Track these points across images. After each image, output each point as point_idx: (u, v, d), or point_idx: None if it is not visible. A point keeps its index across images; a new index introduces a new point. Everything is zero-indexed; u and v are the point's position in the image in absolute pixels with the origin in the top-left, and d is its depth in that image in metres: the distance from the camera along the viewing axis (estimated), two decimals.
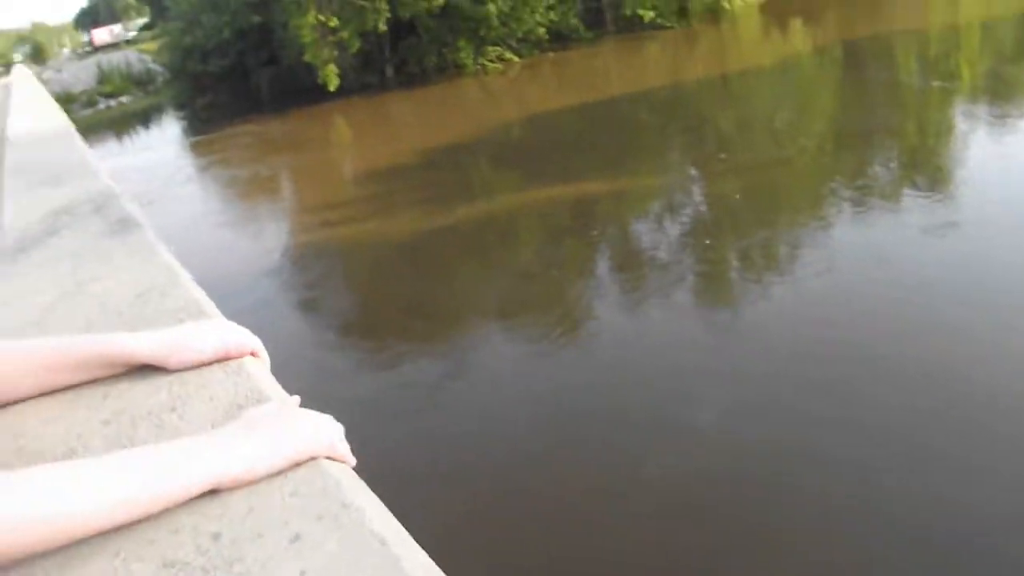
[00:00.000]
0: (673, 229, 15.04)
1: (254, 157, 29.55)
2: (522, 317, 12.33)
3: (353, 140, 31.48)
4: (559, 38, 38.56)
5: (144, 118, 50.72)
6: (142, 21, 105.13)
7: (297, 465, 0.98)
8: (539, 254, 15.26)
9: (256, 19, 41.74)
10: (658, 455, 7.87)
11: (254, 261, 17.64)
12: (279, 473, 0.97)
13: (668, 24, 38.11)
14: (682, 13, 38.60)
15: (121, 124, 49.79)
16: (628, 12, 38.51)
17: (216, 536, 0.86)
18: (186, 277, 2.07)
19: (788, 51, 30.04)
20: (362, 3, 36.73)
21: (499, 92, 33.53)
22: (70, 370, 1.27)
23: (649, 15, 38.14)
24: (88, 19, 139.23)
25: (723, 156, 18.30)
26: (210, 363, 1.27)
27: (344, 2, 36.66)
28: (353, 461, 1.06)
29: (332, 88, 36.81)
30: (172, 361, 1.26)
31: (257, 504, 0.90)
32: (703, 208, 16.14)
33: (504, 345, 11.40)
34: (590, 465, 7.95)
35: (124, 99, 62.47)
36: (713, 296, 11.87)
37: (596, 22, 39.67)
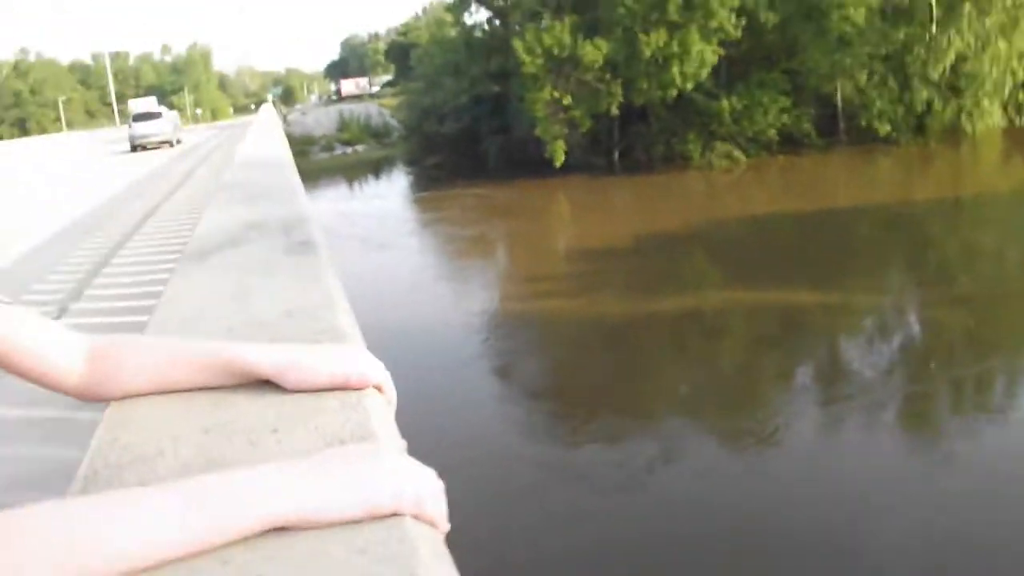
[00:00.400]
0: (880, 352, 14.66)
1: (474, 220, 30.32)
2: (712, 420, 12.21)
3: (571, 217, 31.91)
4: (790, 142, 38.10)
5: (376, 168, 52.81)
6: (387, 78, 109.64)
7: (377, 518, 0.87)
8: (740, 358, 15.10)
9: (494, 88, 43.05)
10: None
11: (458, 318, 18.07)
12: (354, 522, 0.86)
13: (903, 140, 37.23)
14: (919, 130, 37.60)
15: (354, 171, 52.03)
16: (863, 123, 37.83)
17: None
18: (343, 303, 2.04)
19: None
20: (597, 85, 37.43)
21: (722, 189, 33.42)
22: (189, 371, 1.24)
23: (885, 129, 37.31)
24: (337, 70, 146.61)
25: (945, 283, 17.73)
26: (328, 388, 1.18)
27: (580, 82, 37.43)
28: (446, 527, 0.93)
29: (558, 164, 37.45)
30: (289, 379, 1.19)
31: (319, 552, 0.81)
32: (914, 334, 15.68)
33: (690, 447, 11.31)
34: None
35: (360, 148, 65.26)
36: (915, 426, 11.51)
37: (829, 130, 39.01)
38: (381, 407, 1.20)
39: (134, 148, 36.56)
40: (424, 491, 0.91)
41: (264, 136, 19.11)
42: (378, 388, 1.23)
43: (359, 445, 1.03)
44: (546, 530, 9.10)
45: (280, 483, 0.88)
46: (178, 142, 38.18)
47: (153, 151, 35.59)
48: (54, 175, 30.02)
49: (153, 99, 61.84)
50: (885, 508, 8.73)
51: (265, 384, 1.21)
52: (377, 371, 1.22)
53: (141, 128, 37.23)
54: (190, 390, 1.24)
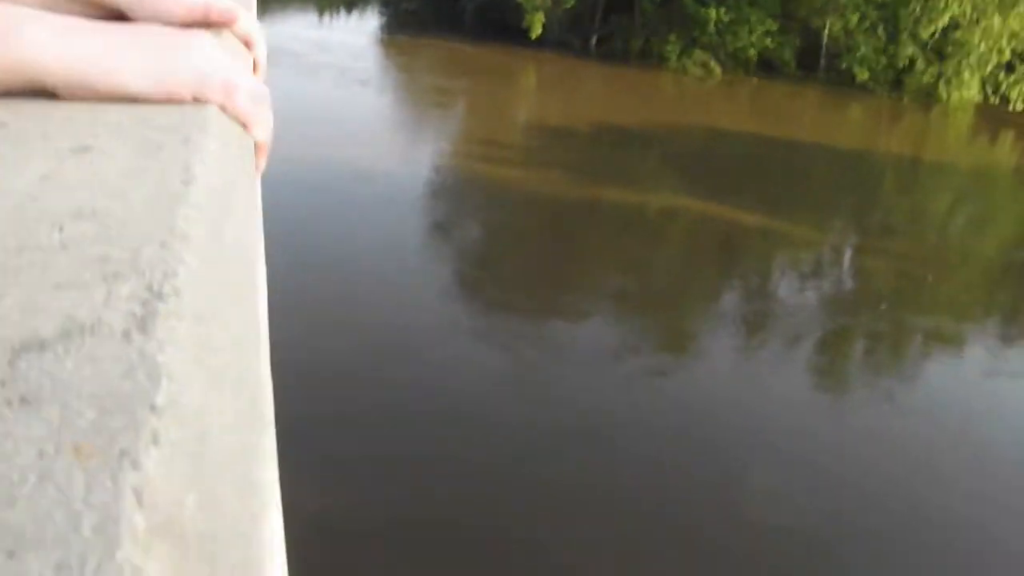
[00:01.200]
0: (810, 288, 14.66)
1: (440, 73, 29.81)
2: (633, 323, 12.13)
3: (537, 92, 31.45)
4: (767, 66, 37.77)
5: (349, 2, 51.56)
6: None
7: (174, 102, 0.69)
8: (673, 265, 15.01)
9: None
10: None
11: (404, 165, 17.83)
12: (144, 101, 0.68)
13: (879, 91, 37.04)
14: (896, 85, 37.43)
15: (326, 1, 50.73)
16: (844, 65, 37.54)
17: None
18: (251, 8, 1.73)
19: (990, 158, 28.94)
20: None
21: (692, 97, 33.08)
22: None
23: (864, 75, 37.11)
24: None
25: (886, 236, 17.75)
26: (188, 24, 0.83)
27: None
28: (261, 135, 0.76)
29: (533, 36, 36.78)
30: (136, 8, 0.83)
31: (93, 119, 0.65)
32: (846, 277, 15.70)
33: (602, 344, 11.21)
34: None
35: None
36: (827, 366, 11.52)
37: (809, 64, 38.69)
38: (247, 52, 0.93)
39: None
40: (243, 85, 0.72)
41: None
42: (246, 41, 0.92)
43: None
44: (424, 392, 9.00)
45: (56, 30, 0.66)
46: None
47: None
48: None
49: None
50: (779, 446, 8.74)
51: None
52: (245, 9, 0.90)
53: None
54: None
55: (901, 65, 37.20)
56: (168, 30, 0.74)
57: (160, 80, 0.68)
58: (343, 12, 48.63)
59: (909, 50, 36.94)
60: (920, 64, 37.14)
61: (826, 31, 38.00)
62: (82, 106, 0.67)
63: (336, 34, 38.91)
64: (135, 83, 0.68)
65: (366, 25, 44.69)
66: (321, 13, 47.15)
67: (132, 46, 0.69)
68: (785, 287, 14.65)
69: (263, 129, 0.77)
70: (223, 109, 0.72)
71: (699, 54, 37.25)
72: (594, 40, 38.79)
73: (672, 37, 37.13)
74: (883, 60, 37.29)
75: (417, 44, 35.49)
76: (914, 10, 36.27)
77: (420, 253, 13.66)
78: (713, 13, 36.73)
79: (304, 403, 7.19)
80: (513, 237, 15.24)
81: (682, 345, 11.61)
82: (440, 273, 12.93)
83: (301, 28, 38.05)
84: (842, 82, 37.21)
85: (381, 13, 48.23)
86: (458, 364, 9.69)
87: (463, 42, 36.28)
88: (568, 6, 37.23)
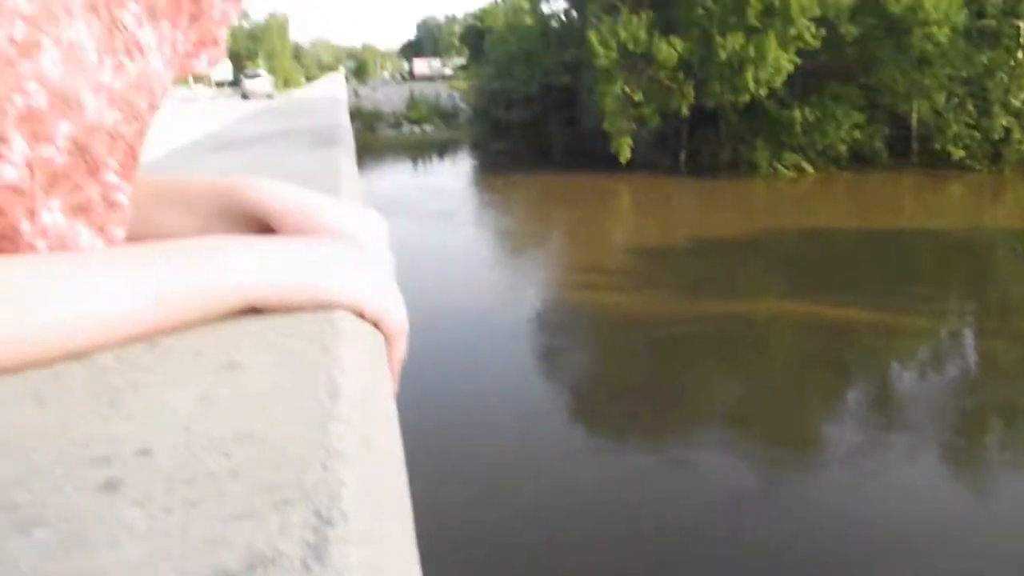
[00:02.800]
0: (933, 380, 14.36)
1: (535, 207, 30.42)
2: (752, 431, 12.03)
3: (631, 214, 31.75)
4: (859, 158, 37.59)
5: (441, 149, 53.14)
6: (460, 61, 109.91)
7: (321, 308, 0.75)
8: (786, 371, 14.87)
9: (565, 79, 42.92)
10: None
11: (508, 299, 18.17)
12: (296, 309, 0.74)
13: (977, 167, 36.51)
14: (995, 158, 36.86)
15: (420, 149, 52.43)
16: (937, 146, 37.19)
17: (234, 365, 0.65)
18: (351, 172, 1.99)
19: None
20: (669, 84, 37.15)
21: (787, 200, 33.02)
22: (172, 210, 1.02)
23: (959, 154, 36.68)
24: (412, 50, 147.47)
25: (1006, 316, 17.34)
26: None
27: (652, 80, 37.19)
28: (397, 337, 0.83)
29: (623, 160, 37.27)
30: (288, 221, 0.97)
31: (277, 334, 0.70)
32: (970, 365, 15.33)
33: (726, 458, 11.12)
34: None
35: (427, 127, 65.60)
36: (960, 461, 11.22)
37: (901, 150, 38.40)
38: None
39: (244, 97, 48.04)
40: (376, 283, 0.81)
41: (322, 85, 19.67)
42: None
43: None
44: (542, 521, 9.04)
45: (254, 251, 0.75)
46: (271, 97, 45.46)
47: (256, 100, 44.14)
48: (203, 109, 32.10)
49: (262, 69, 67.94)
50: (923, 549, 8.54)
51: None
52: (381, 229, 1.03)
53: (251, 84, 50.59)
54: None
55: (996, 137, 36.69)
56: (326, 241, 0.85)
57: (340, 290, 0.77)
58: (435, 158, 50.04)
59: (1003, 121, 36.49)
60: (1016, 133, 36.60)
61: (914, 115, 37.78)
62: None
63: (433, 179, 40.13)
64: (324, 294, 0.76)
65: (460, 168, 45.93)
66: (415, 161, 48.61)
67: (317, 259, 0.78)
68: (905, 379, 14.41)
69: (397, 324, 0.83)
70: (358, 312, 0.78)
71: (789, 156, 37.32)
72: (683, 156, 39.16)
73: (760, 143, 37.32)
74: (977, 135, 36.85)
75: (511, 182, 36.29)
76: (1002, 79, 35.96)
77: (535, 383, 13.83)
78: (798, 114, 36.89)
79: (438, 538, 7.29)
80: (623, 359, 15.33)
81: (805, 449, 11.48)
82: (556, 401, 13.09)
83: (399, 177, 39.50)
84: (938, 163, 36.80)
85: (473, 156, 49.49)
86: (581, 487, 9.74)
87: (555, 174, 37.00)
88: (653, 127, 37.78)
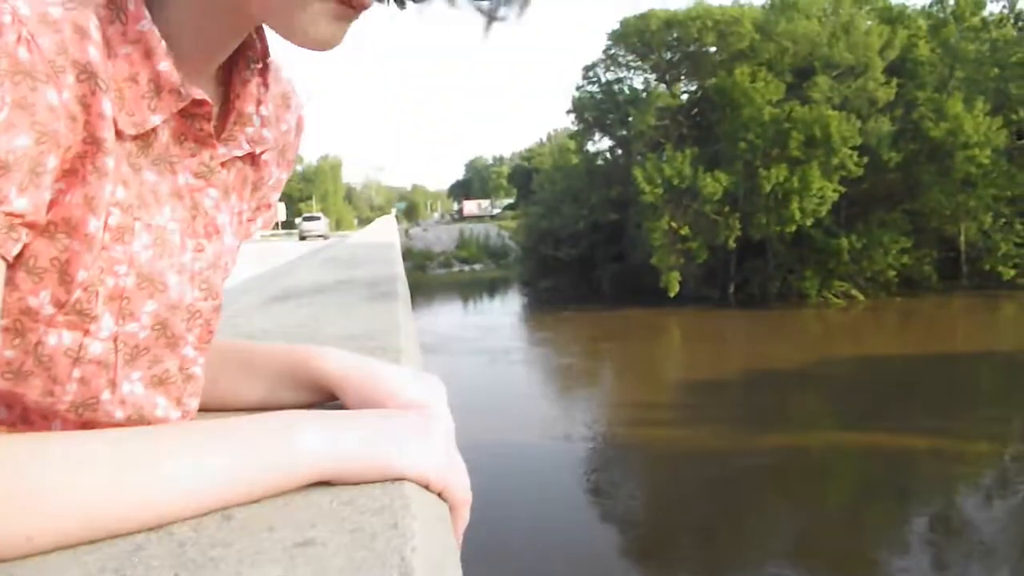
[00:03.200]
0: (999, 506, 14.12)
1: (585, 343, 30.44)
2: (815, 565, 11.89)
3: (682, 347, 31.70)
4: (909, 283, 37.46)
5: (491, 287, 53.57)
6: (508, 200, 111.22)
7: (388, 481, 0.79)
8: (846, 504, 14.70)
9: (612, 216, 43.43)
10: None
11: (561, 433, 18.13)
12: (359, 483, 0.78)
13: None
14: None
15: (470, 288, 52.92)
16: (987, 267, 37.05)
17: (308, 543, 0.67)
18: (408, 331, 2.02)
19: None
20: (715, 217, 37.50)
21: (838, 328, 32.86)
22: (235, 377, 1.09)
23: (1010, 273, 36.50)
24: (461, 190, 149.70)
25: None
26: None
27: (698, 214, 37.59)
28: (462, 517, 0.87)
29: (672, 294, 37.47)
30: (350, 391, 1.03)
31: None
32: None
33: None
34: None
35: (477, 266, 66.46)
36: None
37: (951, 272, 38.25)
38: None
39: (302, 238, 50.41)
40: (441, 454, 0.85)
41: (378, 230, 19.88)
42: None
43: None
44: None
45: (325, 427, 0.80)
46: (326, 238, 49.35)
47: (312, 240, 46.84)
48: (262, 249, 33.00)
49: (319, 213, 69.99)
50: None
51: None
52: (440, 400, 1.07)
53: (307, 226, 53.24)
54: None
55: None
56: (391, 414, 0.90)
57: (407, 464, 0.80)
58: (485, 297, 50.39)
59: None
60: None
61: (962, 237, 37.76)
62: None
63: (484, 318, 40.34)
64: (392, 469, 0.79)
65: (510, 306, 46.18)
66: (465, 301, 48.98)
67: (384, 434, 0.83)
68: (971, 505, 14.15)
69: (461, 494, 0.86)
70: (424, 483, 0.81)
71: (838, 284, 37.28)
72: (732, 289, 39.28)
73: (808, 273, 37.38)
74: None
75: (561, 318, 36.44)
76: None
77: (588, 521, 13.76)
78: (845, 242, 36.98)
79: None
80: (679, 495, 15.19)
81: None
82: (610, 540, 13.00)
83: (451, 317, 39.67)
84: (988, 284, 36.61)
85: (523, 293, 49.77)
86: None
87: (605, 310, 37.14)
88: (701, 261, 38.01)
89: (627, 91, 45.38)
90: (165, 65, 0.78)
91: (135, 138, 0.79)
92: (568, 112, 48.35)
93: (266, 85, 0.93)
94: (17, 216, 0.68)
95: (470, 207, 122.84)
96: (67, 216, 0.73)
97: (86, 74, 0.70)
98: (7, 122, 0.65)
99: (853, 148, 36.26)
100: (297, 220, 58.41)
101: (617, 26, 45.24)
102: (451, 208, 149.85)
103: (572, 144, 50.76)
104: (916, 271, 37.70)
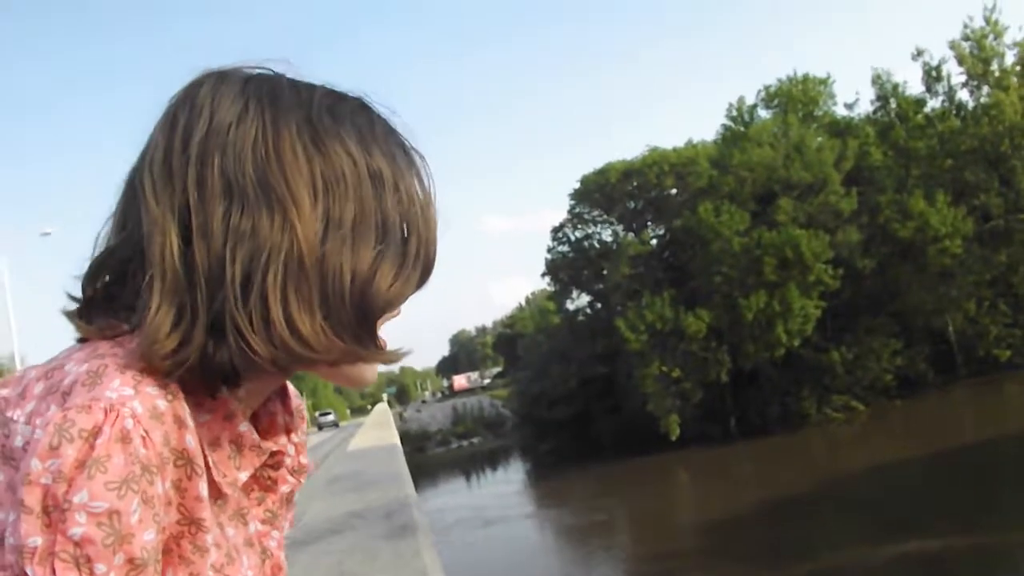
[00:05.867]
0: None
1: (592, 500, 30.16)
2: None
3: (691, 490, 31.41)
4: (906, 384, 37.36)
5: (492, 459, 53.30)
6: (496, 369, 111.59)
7: None
8: None
9: (601, 370, 43.52)
10: None
11: None
12: None
13: None
14: None
15: (470, 463, 52.66)
16: (981, 352, 37.06)
17: None
18: (434, 565, 2.11)
19: None
20: (703, 354, 37.60)
21: (843, 442, 32.63)
22: None
23: (1005, 354, 36.46)
24: (448, 366, 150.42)
25: None
26: None
27: (687, 353, 37.68)
28: None
29: (673, 437, 37.23)
30: None
31: None
32: None
33: None
34: None
35: (475, 440, 66.32)
36: None
37: (946, 365, 38.24)
38: None
39: (320, 428, 59.28)
40: None
41: (374, 430, 20.33)
42: None
43: None
44: None
45: None
46: (337, 425, 60.06)
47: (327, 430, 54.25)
48: None
49: (331, 410, 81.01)
50: None
51: None
52: None
53: (323, 419, 64.36)
54: None
55: None
56: None
57: None
58: (487, 470, 50.13)
59: None
60: None
61: (950, 327, 37.88)
62: None
63: (489, 491, 40.05)
64: None
65: (512, 476, 45.88)
66: (468, 476, 48.67)
67: None
68: None
69: None
70: None
71: (836, 399, 37.24)
72: (732, 422, 39.06)
73: (805, 392, 37.34)
74: (1018, 332, 36.89)
75: (565, 480, 36.25)
76: None
77: None
78: (836, 355, 37.14)
79: None
80: None
81: None
82: None
83: (455, 496, 39.49)
84: (986, 369, 36.62)
85: (524, 460, 49.54)
86: None
87: (608, 464, 36.96)
88: (696, 399, 37.92)
89: (597, 245, 46.23)
90: (245, 426, 0.84)
91: (218, 499, 0.83)
92: (543, 275, 49.06)
93: (290, 413, 0.97)
94: None
95: (460, 381, 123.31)
96: None
97: (183, 460, 0.75)
98: (140, 521, 0.69)
99: (827, 262, 36.76)
100: (316, 414, 72.05)
101: (577, 185, 46.32)
102: (441, 385, 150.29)
103: (551, 305, 51.42)
104: (912, 370, 37.70)
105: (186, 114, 0.80)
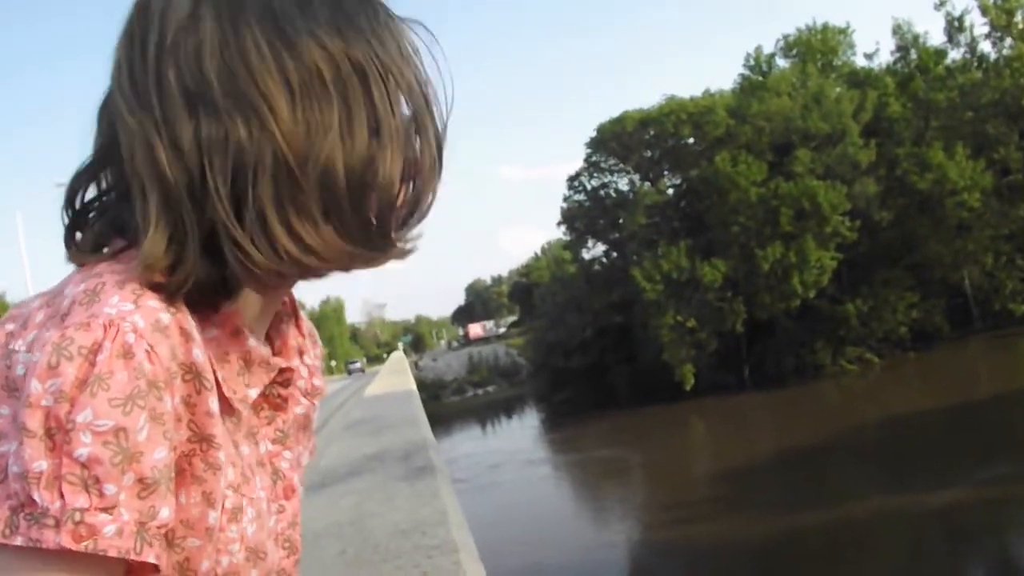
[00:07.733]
0: None
1: (608, 449, 30.22)
2: None
3: (706, 439, 31.50)
4: (922, 337, 37.29)
5: (507, 408, 53.39)
6: (512, 318, 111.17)
7: None
8: (902, 562, 14.45)
9: (617, 319, 43.49)
10: None
11: (595, 550, 17.83)
12: None
13: None
14: None
15: (486, 412, 52.76)
16: (997, 306, 36.97)
17: None
18: (457, 518, 2.06)
19: None
20: (719, 304, 37.57)
21: (858, 394, 32.65)
22: None
23: (1021, 309, 36.36)
24: (464, 315, 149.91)
25: None
26: None
27: (702, 303, 37.66)
28: None
29: (688, 387, 37.40)
30: None
31: None
32: None
33: None
34: None
35: (490, 388, 66.41)
36: None
37: (962, 318, 38.13)
38: None
39: (349, 372, 67.77)
40: None
41: (390, 376, 20.09)
42: None
43: None
44: None
45: None
46: (363, 371, 63.71)
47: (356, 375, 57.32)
48: None
49: (357, 359, 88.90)
50: None
51: None
52: None
53: (351, 367, 72.46)
54: None
55: None
56: None
57: None
58: (503, 418, 50.23)
59: None
60: None
61: (966, 282, 37.75)
62: None
63: (505, 440, 40.23)
64: None
65: (527, 423, 46.06)
66: (483, 424, 48.80)
67: None
68: None
69: None
70: None
71: (851, 351, 37.21)
72: (747, 371, 39.14)
73: (820, 344, 37.33)
74: None
75: (580, 428, 36.35)
76: None
77: None
78: (852, 308, 37.05)
79: None
80: None
81: None
82: None
83: (471, 442, 40.08)
84: (1001, 324, 36.50)
85: (539, 408, 49.61)
86: None
87: (623, 413, 37.05)
88: (712, 349, 37.99)
89: (614, 194, 45.96)
90: (253, 341, 0.82)
91: (229, 416, 0.81)
92: (559, 224, 48.84)
93: (302, 335, 0.96)
94: (163, 527, 0.70)
95: (475, 330, 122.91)
96: (186, 517, 0.74)
97: (191, 374, 0.73)
98: (149, 438, 0.67)
99: (844, 214, 36.56)
100: (345, 362, 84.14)
101: (594, 133, 46.00)
102: (456, 334, 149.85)
103: (567, 254, 51.16)
104: (927, 323, 37.61)
105: (141, 25, 0.77)
